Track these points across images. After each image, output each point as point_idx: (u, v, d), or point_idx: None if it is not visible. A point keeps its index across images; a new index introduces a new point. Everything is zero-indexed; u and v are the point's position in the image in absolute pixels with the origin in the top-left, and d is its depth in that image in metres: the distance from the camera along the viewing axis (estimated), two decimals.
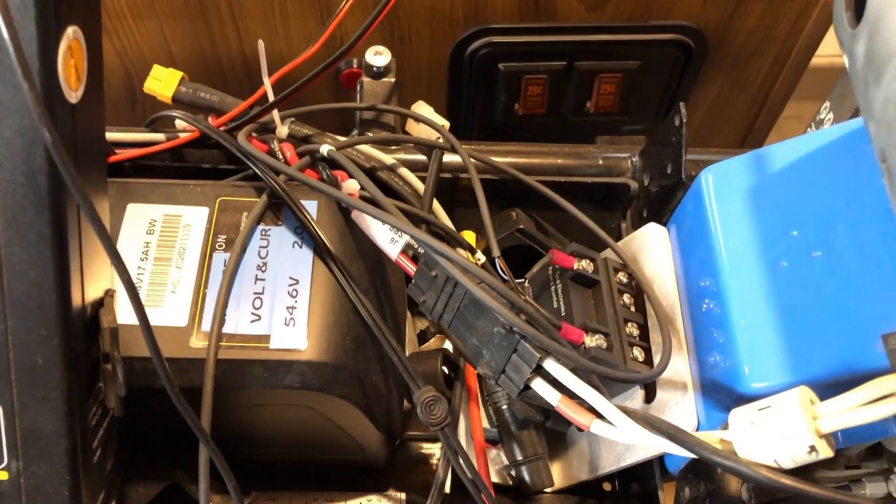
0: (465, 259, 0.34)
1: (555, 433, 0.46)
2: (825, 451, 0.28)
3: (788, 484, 0.28)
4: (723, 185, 0.40)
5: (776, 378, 0.35)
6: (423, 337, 0.48)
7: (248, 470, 0.41)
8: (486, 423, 0.45)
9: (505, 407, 0.45)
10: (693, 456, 0.30)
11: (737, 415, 0.30)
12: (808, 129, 0.51)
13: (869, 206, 0.35)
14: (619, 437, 0.32)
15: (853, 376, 0.33)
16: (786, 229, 0.37)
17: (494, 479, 0.45)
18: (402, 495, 0.43)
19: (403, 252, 0.38)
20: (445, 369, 0.45)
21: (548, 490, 0.45)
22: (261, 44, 0.41)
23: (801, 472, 0.40)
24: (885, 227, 0.34)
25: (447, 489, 0.42)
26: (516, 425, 0.44)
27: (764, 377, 0.35)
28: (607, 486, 0.47)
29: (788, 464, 0.29)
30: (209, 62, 0.70)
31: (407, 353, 0.45)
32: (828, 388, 0.34)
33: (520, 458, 0.44)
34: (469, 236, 0.48)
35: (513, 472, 0.45)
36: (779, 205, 0.38)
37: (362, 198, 0.39)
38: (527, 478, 0.44)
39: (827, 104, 0.47)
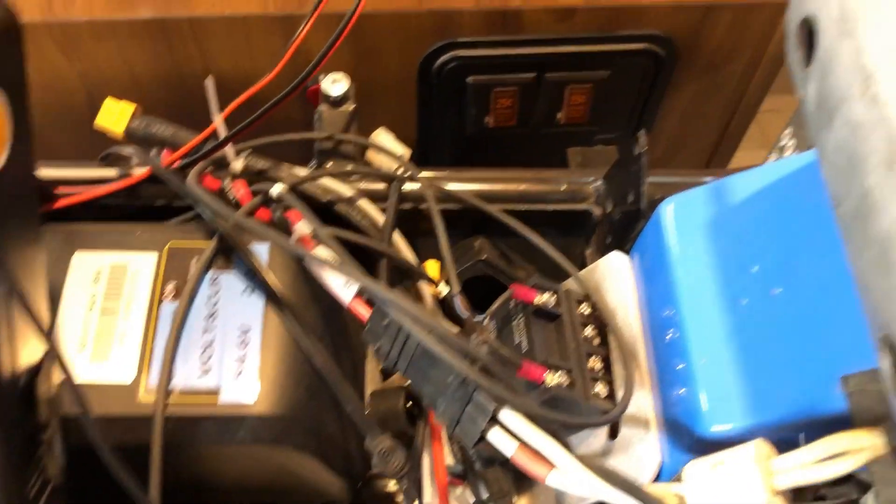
0: (415, 308, 0.33)
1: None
2: None
3: None
4: (683, 216, 0.39)
5: (737, 420, 0.34)
6: (387, 372, 0.48)
7: None
8: (450, 460, 0.44)
9: None
10: None
11: (692, 469, 0.30)
12: (771, 156, 0.51)
13: (830, 242, 0.34)
14: (573, 490, 0.31)
15: (815, 419, 0.33)
16: (746, 264, 0.36)
17: None
18: None
19: (358, 296, 0.37)
20: (409, 405, 0.44)
21: None
22: (209, 82, 0.40)
23: None
24: (846, 263, 0.33)
25: None
26: (481, 462, 0.43)
27: (724, 419, 0.34)
28: None
29: None
30: (172, 82, 0.69)
31: (369, 391, 0.44)
32: (789, 430, 0.34)
33: (485, 496, 0.43)
34: (432, 266, 0.47)
35: None
36: (739, 238, 0.37)
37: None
38: None
39: (789, 130, 0.46)
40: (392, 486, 0.45)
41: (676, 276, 0.38)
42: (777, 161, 0.37)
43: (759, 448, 0.29)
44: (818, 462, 0.27)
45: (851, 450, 0.26)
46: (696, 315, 0.37)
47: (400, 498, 0.45)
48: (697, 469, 0.30)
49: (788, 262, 0.35)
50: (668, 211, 0.40)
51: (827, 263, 0.34)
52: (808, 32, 0.29)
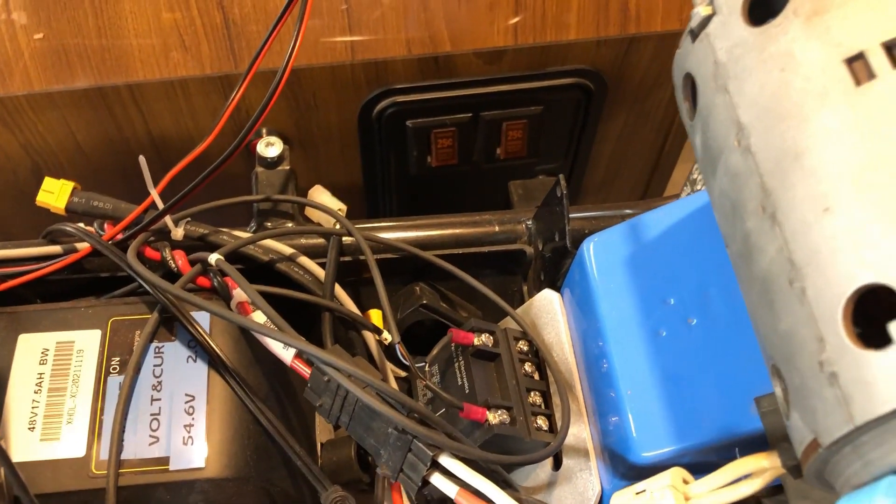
0: (347, 365, 0.35)
1: None
2: None
3: None
4: (604, 254, 0.41)
5: (665, 445, 0.36)
6: None
7: None
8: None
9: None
10: None
11: (618, 500, 0.32)
12: (684, 191, 0.53)
13: None
14: None
15: (735, 440, 0.35)
16: (663, 297, 0.39)
17: None
18: None
19: (298, 356, 0.38)
20: (363, 452, 0.45)
21: None
22: (142, 159, 0.41)
23: None
24: None
25: None
26: None
27: (653, 446, 0.36)
28: None
29: None
30: (117, 147, 0.70)
31: (322, 441, 0.46)
32: (717, 451, 0.36)
33: None
34: (376, 315, 0.48)
35: None
36: (656, 273, 0.39)
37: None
38: None
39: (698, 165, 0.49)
40: None
41: (601, 310, 0.40)
42: (687, 197, 0.40)
43: (674, 475, 0.30)
44: (728, 485, 0.29)
45: (756, 471, 0.28)
46: (621, 347, 0.39)
47: None
48: (622, 499, 0.31)
49: (702, 293, 0.38)
50: (590, 249, 0.42)
51: (736, 292, 0.36)
52: (692, 87, 0.31)
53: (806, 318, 0.25)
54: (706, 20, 0.30)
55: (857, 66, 0.25)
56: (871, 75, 0.24)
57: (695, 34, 0.30)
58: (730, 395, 0.35)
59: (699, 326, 0.37)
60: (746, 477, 0.29)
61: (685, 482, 0.31)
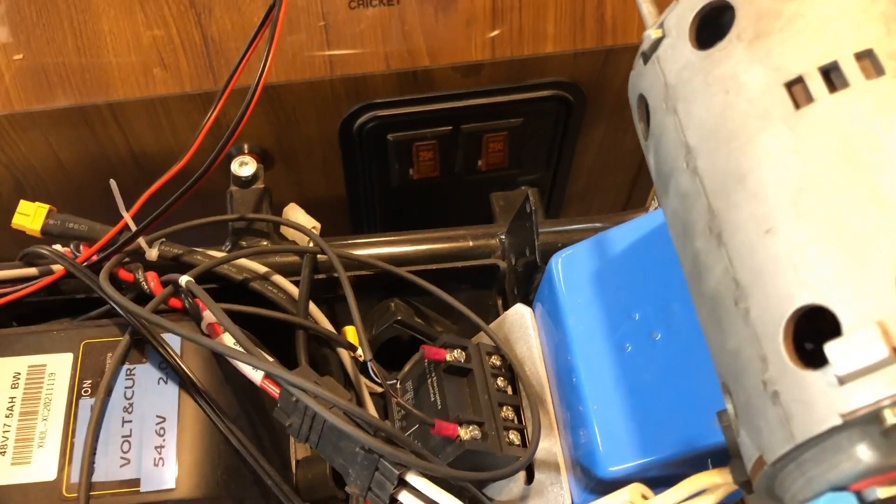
0: (314, 386, 0.35)
1: None
2: None
3: None
4: (571, 270, 0.42)
5: (629, 460, 0.36)
6: None
7: None
8: None
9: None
10: None
11: None
12: (653, 204, 0.54)
13: None
14: None
15: (699, 453, 0.35)
16: (628, 312, 0.39)
17: None
18: None
19: (267, 377, 0.39)
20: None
21: None
22: (112, 183, 0.42)
23: None
24: None
25: None
26: None
27: (618, 460, 0.37)
28: None
29: None
30: (98, 164, 0.71)
31: (298, 458, 0.46)
32: (682, 465, 0.36)
33: None
34: (351, 332, 0.49)
35: None
36: (621, 287, 0.40)
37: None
38: None
39: None
40: None
41: (569, 325, 0.41)
42: (651, 213, 0.40)
43: (633, 491, 0.31)
44: (684, 501, 0.29)
45: (710, 487, 0.29)
46: (588, 361, 0.39)
47: None
48: None
49: (665, 307, 0.38)
50: (558, 264, 0.42)
51: None
52: (646, 108, 0.32)
53: (750, 338, 0.25)
54: (656, 43, 0.30)
55: (797, 89, 0.25)
56: (809, 99, 0.25)
57: (646, 56, 0.31)
58: (694, 409, 0.36)
59: (663, 341, 0.38)
60: (702, 493, 0.29)
61: (644, 497, 0.31)
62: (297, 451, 0.47)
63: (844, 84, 0.25)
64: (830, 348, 0.22)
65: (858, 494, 0.23)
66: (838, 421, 0.22)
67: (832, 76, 0.25)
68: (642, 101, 0.32)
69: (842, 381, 0.22)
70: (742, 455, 0.27)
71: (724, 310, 0.26)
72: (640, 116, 0.33)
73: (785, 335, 0.24)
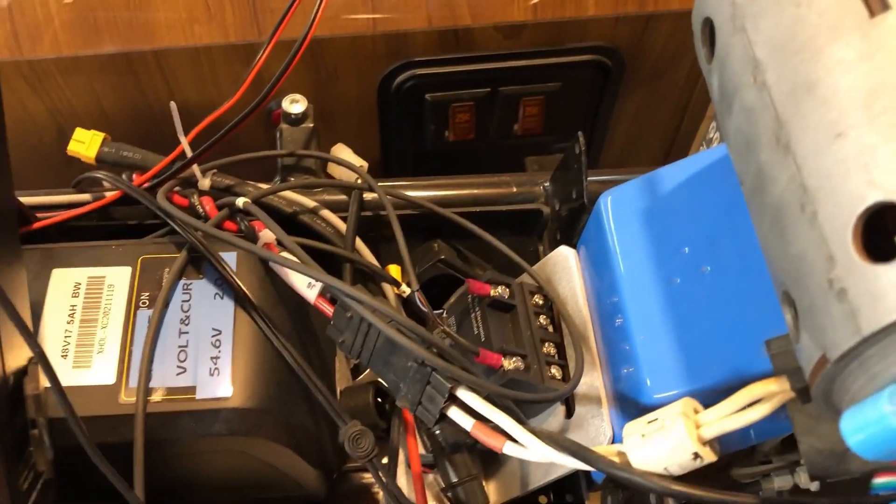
0: (372, 300, 0.36)
1: (488, 453, 0.48)
2: (709, 457, 0.31)
3: (676, 489, 0.30)
4: (620, 208, 0.42)
5: (675, 388, 0.37)
6: (357, 370, 0.50)
7: None
8: (422, 450, 0.47)
9: (438, 432, 0.46)
10: (593, 469, 0.32)
11: (630, 428, 0.33)
12: (701, 148, 0.54)
13: (749, 221, 0.38)
14: (527, 456, 0.34)
15: (745, 381, 0.36)
16: (678, 247, 0.40)
17: (433, 502, 0.47)
18: None
19: (321, 295, 0.39)
20: (380, 400, 0.46)
21: None
22: (173, 105, 0.43)
23: (720, 469, 0.43)
24: None
25: None
26: (449, 448, 0.46)
27: (664, 388, 0.37)
28: (543, 500, 0.49)
29: (677, 470, 0.31)
30: (141, 113, 0.72)
31: (340, 388, 0.47)
32: (724, 394, 0.37)
33: (454, 480, 0.46)
34: (395, 270, 0.50)
35: (449, 495, 0.46)
36: (671, 224, 0.40)
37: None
38: (462, 498, 0.46)
39: (714, 123, 0.50)
40: (368, 478, 0.48)
41: (617, 261, 0.41)
42: (702, 152, 0.41)
43: (685, 404, 0.31)
44: (736, 412, 0.30)
45: (765, 396, 0.29)
46: (636, 296, 0.40)
47: (375, 488, 0.48)
48: (634, 427, 0.33)
49: (715, 242, 0.39)
50: (607, 203, 0.43)
51: (749, 240, 0.37)
52: (710, 31, 0.33)
53: (817, 240, 0.26)
54: None
55: None
56: (885, 6, 0.25)
57: None
58: (740, 339, 0.36)
59: (712, 274, 0.38)
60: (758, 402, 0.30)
61: (696, 412, 0.32)
62: (340, 381, 0.48)
63: None
64: None
65: None
66: None
67: None
68: (707, 24, 0.32)
69: None
70: (801, 361, 0.27)
71: (790, 216, 0.27)
72: (703, 40, 0.33)
73: (854, 234, 0.24)
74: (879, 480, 0.24)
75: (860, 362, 0.25)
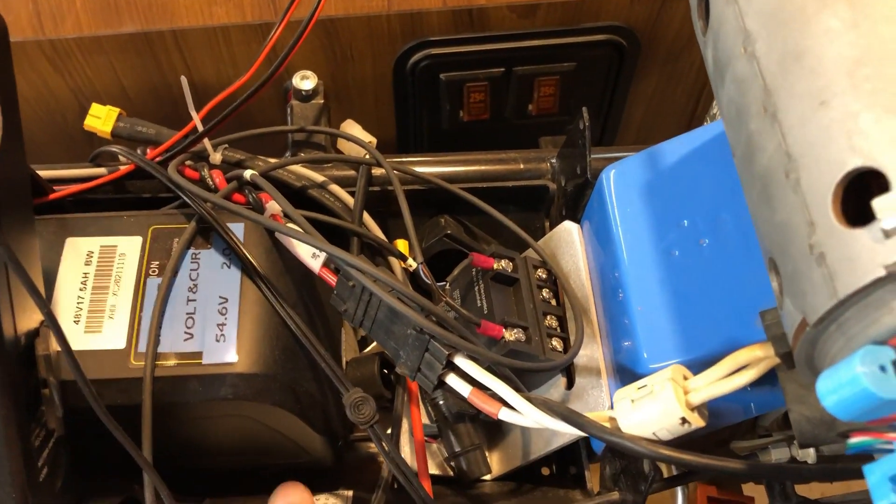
0: (373, 268, 0.37)
1: (491, 424, 0.48)
2: (696, 422, 0.31)
3: (664, 454, 0.31)
4: (622, 181, 0.43)
5: (671, 358, 0.37)
6: (364, 342, 0.51)
7: (200, 478, 0.43)
8: (426, 420, 0.48)
9: (441, 402, 0.47)
10: (585, 434, 0.33)
11: (621, 394, 0.33)
12: (706, 123, 0.54)
13: None
14: (522, 422, 0.35)
15: None
16: (677, 220, 0.40)
17: (435, 471, 0.48)
18: (350, 493, 0.45)
19: (325, 266, 0.40)
20: (386, 371, 0.47)
21: (487, 477, 0.48)
22: (184, 79, 0.44)
23: (721, 442, 0.43)
24: None
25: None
26: (452, 418, 0.47)
27: (660, 358, 0.38)
28: (545, 471, 0.50)
29: (666, 435, 0.32)
30: (160, 92, 0.73)
31: (346, 359, 0.48)
32: None
33: (457, 449, 0.47)
34: (402, 244, 0.50)
35: (452, 464, 0.47)
36: (671, 197, 0.41)
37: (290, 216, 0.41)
38: (465, 467, 0.47)
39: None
40: (374, 447, 0.49)
41: (618, 233, 0.42)
42: (703, 127, 0.41)
43: (675, 370, 0.32)
44: (724, 377, 0.30)
45: (751, 362, 0.30)
46: (635, 267, 0.40)
47: (381, 458, 0.49)
48: (625, 393, 0.33)
49: (714, 215, 0.39)
50: (609, 177, 0.43)
51: (746, 214, 0.38)
52: (706, 3, 0.33)
53: (799, 206, 0.26)
54: None
55: None
56: None
57: None
58: (736, 310, 0.37)
59: (710, 247, 0.38)
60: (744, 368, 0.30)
61: (685, 378, 0.32)
62: (346, 352, 0.49)
63: None
64: (878, 203, 0.23)
65: None
66: (882, 272, 0.23)
67: None
68: None
69: (887, 234, 0.23)
70: (784, 327, 0.28)
71: (775, 184, 0.27)
72: (699, 14, 0.33)
73: (834, 198, 0.25)
74: (854, 440, 0.24)
75: (838, 325, 0.25)
